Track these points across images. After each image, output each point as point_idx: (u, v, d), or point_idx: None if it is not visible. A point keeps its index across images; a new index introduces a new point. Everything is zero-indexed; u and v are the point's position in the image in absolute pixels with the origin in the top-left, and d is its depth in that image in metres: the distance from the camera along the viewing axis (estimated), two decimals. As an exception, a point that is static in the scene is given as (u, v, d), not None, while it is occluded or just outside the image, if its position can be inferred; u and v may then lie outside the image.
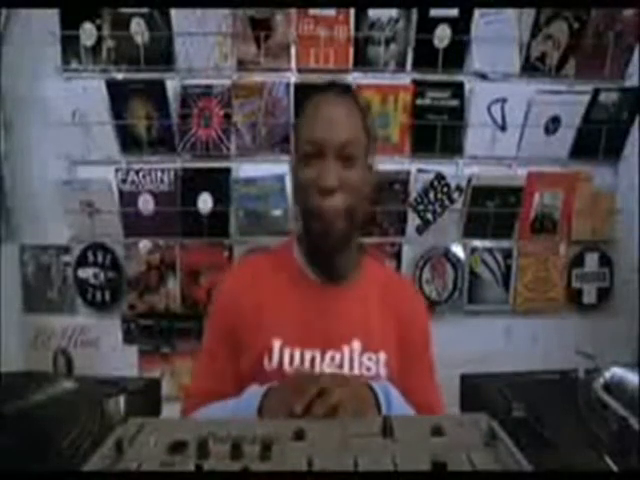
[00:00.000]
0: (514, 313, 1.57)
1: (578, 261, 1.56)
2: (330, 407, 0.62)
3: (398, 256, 1.52)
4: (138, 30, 1.41)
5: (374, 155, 0.89)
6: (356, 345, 0.84)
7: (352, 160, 0.81)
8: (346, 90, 0.89)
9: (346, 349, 0.84)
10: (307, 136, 0.82)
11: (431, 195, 1.49)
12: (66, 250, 1.52)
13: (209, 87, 1.44)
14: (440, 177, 1.48)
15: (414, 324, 0.93)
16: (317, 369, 0.82)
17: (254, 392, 0.75)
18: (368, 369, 0.84)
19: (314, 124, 0.81)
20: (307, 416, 0.61)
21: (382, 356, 0.85)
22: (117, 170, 1.47)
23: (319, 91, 0.87)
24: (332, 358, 0.83)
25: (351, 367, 0.83)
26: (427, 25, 1.42)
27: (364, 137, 0.85)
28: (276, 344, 0.83)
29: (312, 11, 1.41)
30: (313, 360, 0.83)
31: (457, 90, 1.46)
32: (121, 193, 1.48)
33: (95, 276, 1.52)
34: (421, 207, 1.50)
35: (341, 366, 0.83)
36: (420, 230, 1.52)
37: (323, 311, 0.86)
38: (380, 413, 0.71)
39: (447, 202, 1.50)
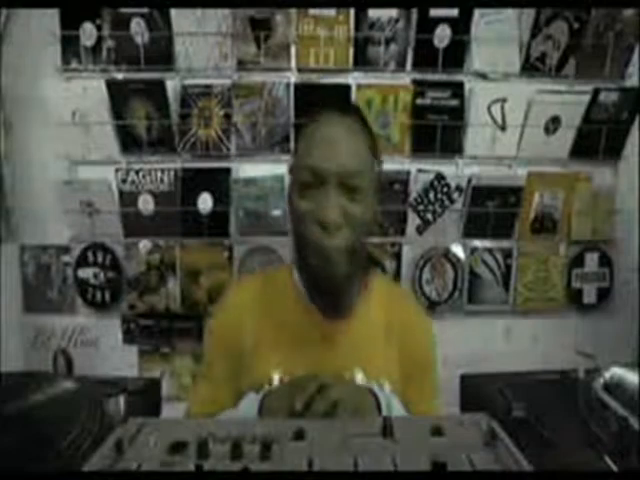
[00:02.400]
0: (514, 313, 1.57)
1: (578, 261, 1.56)
2: (330, 403, 0.62)
3: (398, 256, 1.52)
4: (138, 30, 1.41)
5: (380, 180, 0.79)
6: (359, 376, 0.80)
7: (357, 191, 0.71)
8: (349, 108, 0.81)
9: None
10: (306, 162, 0.72)
11: (431, 195, 1.49)
12: (66, 250, 1.52)
13: (209, 87, 1.44)
14: (440, 177, 1.48)
15: (418, 350, 0.87)
16: None
17: (252, 397, 0.75)
18: None
19: (314, 149, 0.72)
20: (307, 412, 0.61)
21: (386, 387, 0.80)
22: (117, 170, 1.47)
23: (319, 111, 0.77)
24: None
25: None
26: (427, 25, 1.42)
27: (371, 163, 0.75)
28: (275, 376, 0.79)
29: (312, 11, 1.41)
30: None
31: (457, 90, 1.46)
32: (121, 193, 1.48)
33: (95, 276, 1.51)
34: (421, 207, 1.50)
35: None
36: (420, 230, 1.52)
37: (325, 343, 0.82)
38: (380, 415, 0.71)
39: (447, 202, 1.50)
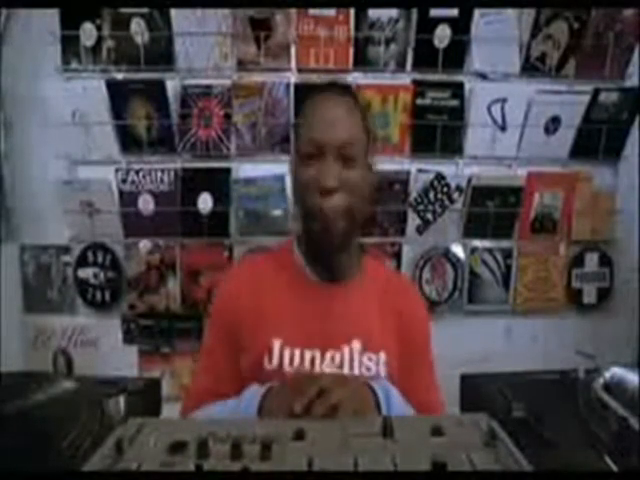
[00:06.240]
0: (514, 313, 1.57)
1: (578, 261, 1.56)
2: (330, 407, 0.62)
3: (398, 256, 1.52)
4: (138, 30, 1.41)
5: (374, 154, 0.89)
6: (356, 345, 0.84)
7: (352, 160, 0.81)
8: (346, 89, 0.89)
9: (346, 349, 0.84)
10: (307, 136, 0.82)
11: (431, 195, 1.49)
12: (66, 250, 1.52)
13: (209, 87, 1.44)
14: (440, 177, 1.48)
15: (414, 323, 0.92)
16: (317, 369, 0.82)
17: (254, 392, 0.75)
18: (368, 369, 0.84)
19: (314, 124, 0.82)
20: (307, 416, 0.61)
21: (382, 356, 0.85)
22: (117, 170, 1.47)
23: (319, 91, 0.87)
24: (332, 358, 0.83)
25: (351, 367, 0.83)
26: (427, 25, 1.42)
27: (364, 136, 0.85)
28: (276, 344, 0.82)
29: (312, 11, 1.41)
30: (313, 360, 0.82)
31: (457, 90, 1.46)
32: (121, 193, 1.48)
33: (95, 276, 1.52)
34: (421, 207, 1.50)
35: (341, 366, 0.83)
36: (420, 230, 1.52)
37: (323, 311, 0.86)
38: (380, 413, 0.71)
39: (447, 202, 1.50)
